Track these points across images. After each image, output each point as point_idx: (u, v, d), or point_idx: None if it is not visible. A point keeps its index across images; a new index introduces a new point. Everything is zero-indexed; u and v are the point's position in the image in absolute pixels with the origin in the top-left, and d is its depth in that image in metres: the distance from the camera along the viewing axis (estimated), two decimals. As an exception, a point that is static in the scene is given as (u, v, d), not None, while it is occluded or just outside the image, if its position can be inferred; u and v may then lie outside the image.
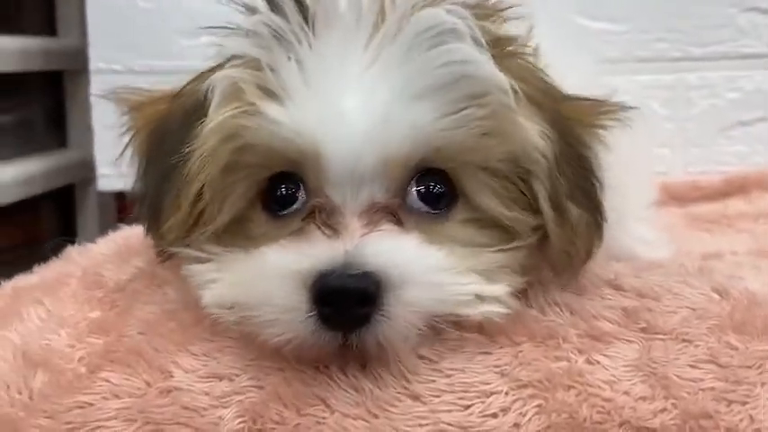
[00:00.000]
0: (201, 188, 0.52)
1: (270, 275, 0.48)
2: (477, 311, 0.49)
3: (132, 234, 0.69)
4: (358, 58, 0.50)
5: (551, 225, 0.52)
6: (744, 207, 1.07)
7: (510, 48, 0.54)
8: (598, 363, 0.48)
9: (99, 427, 0.46)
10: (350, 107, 0.49)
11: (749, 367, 0.47)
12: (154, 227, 0.56)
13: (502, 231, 0.53)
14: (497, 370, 0.48)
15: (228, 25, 0.56)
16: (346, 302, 0.46)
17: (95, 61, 1.25)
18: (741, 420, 0.44)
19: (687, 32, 1.19)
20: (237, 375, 0.48)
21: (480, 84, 0.50)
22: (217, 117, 0.51)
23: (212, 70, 0.55)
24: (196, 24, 1.22)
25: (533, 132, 0.51)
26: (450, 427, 0.45)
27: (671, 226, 1.01)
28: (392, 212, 0.50)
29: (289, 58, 0.51)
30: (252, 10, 0.54)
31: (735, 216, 1.03)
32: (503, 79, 0.50)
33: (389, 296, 0.46)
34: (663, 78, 1.21)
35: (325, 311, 0.46)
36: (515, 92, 0.51)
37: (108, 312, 0.54)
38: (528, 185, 0.52)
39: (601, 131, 0.56)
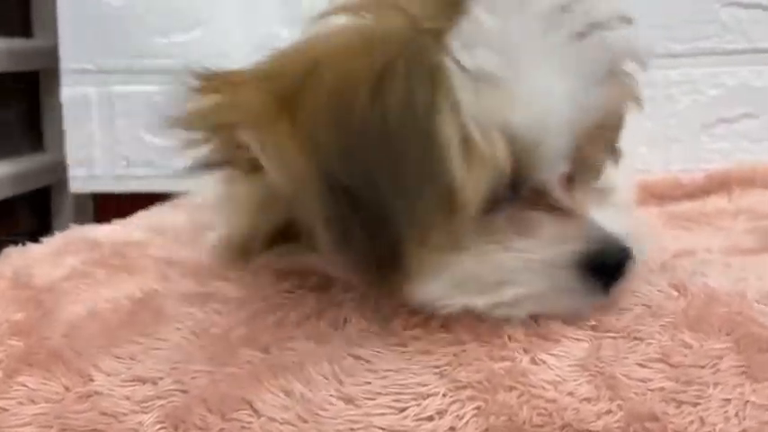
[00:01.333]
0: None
1: (547, 266, 0.49)
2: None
3: (78, 232, 0.68)
4: (551, 49, 0.51)
5: None
6: (724, 204, 1.04)
7: None
8: (543, 362, 0.45)
9: (13, 433, 0.44)
10: (558, 92, 0.51)
11: (702, 367, 0.44)
12: (387, 272, 0.47)
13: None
14: (437, 371, 0.45)
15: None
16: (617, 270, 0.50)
17: (66, 61, 1.24)
18: (691, 423, 0.42)
19: (668, 28, 1.18)
20: (161, 379, 0.46)
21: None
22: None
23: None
24: (171, 23, 1.24)
25: None
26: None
27: (649, 225, 1.01)
28: (570, 179, 0.54)
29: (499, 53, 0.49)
30: None
31: (714, 214, 1.00)
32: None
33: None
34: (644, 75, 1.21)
35: (601, 283, 0.50)
36: None
37: (33, 313, 0.52)
38: None
39: None
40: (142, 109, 1.24)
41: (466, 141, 0.46)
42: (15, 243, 0.68)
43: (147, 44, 1.23)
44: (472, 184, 0.46)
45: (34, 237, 0.72)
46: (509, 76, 0.48)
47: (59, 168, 1.31)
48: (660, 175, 1.19)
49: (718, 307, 0.49)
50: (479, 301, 0.48)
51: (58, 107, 1.28)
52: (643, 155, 1.22)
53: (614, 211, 0.55)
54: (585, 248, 0.49)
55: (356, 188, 0.44)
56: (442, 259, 0.47)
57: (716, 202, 1.06)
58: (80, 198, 1.39)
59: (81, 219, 1.44)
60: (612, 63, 0.54)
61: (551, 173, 0.51)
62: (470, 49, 0.47)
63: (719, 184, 1.10)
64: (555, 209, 0.51)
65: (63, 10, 1.23)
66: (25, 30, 1.41)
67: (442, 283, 0.47)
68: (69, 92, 1.25)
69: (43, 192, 1.43)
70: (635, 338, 0.47)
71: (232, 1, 1.22)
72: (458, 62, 0.47)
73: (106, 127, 1.26)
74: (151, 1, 1.22)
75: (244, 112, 0.47)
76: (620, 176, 0.70)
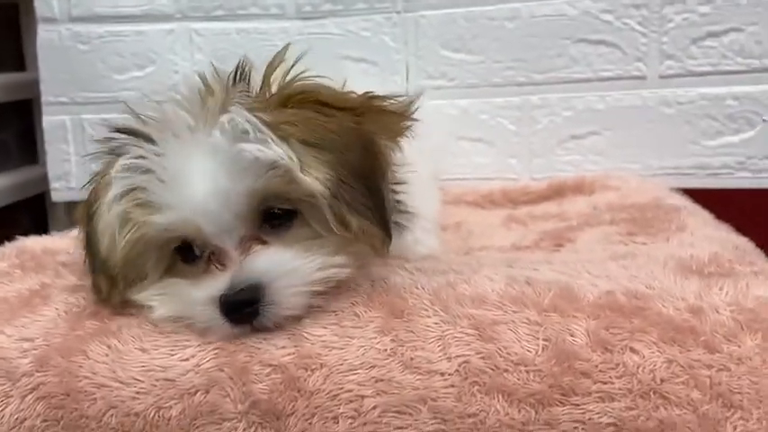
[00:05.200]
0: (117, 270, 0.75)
1: (195, 302, 0.72)
2: (329, 274, 0.72)
3: (19, 243, 0.96)
4: (195, 160, 0.72)
5: (344, 234, 0.72)
6: (552, 209, 1.26)
7: (286, 123, 0.72)
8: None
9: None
10: (201, 195, 0.71)
11: (360, 327, 0.71)
12: (98, 296, 0.78)
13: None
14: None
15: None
16: (241, 309, 0.70)
17: (46, 95, 1.48)
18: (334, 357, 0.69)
19: (530, 62, 1.40)
20: (37, 338, 0.74)
21: (272, 158, 0.70)
22: (122, 238, 0.73)
23: (91, 200, 0.78)
24: (125, 62, 1.47)
25: (311, 180, 0.71)
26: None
27: (487, 224, 1.24)
28: (256, 238, 0.73)
29: (151, 178, 0.73)
30: (118, 154, 0.76)
31: (539, 216, 1.22)
32: (280, 153, 0.70)
33: (268, 291, 0.69)
34: (512, 100, 1.42)
35: (233, 317, 0.70)
36: (299, 153, 0.71)
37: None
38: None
39: (399, 139, 0.78)
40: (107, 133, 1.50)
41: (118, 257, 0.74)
42: None
43: (110, 80, 1.47)
44: (132, 275, 0.75)
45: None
46: (158, 188, 0.72)
47: None
48: (519, 183, 1.43)
49: (390, 290, 0.76)
50: (158, 311, 0.74)
51: None
52: (512, 166, 1.46)
53: (283, 254, 0.71)
54: (218, 293, 0.70)
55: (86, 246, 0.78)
56: (162, 282, 0.76)
57: (548, 206, 1.28)
58: (71, 204, 1.54)
59: (72, 219, 1.68)
60: (256, 163, 0.70)
61: (222, 240, 0.72)
62: (124, 184, 0.73)
63: (556, 191, 1.32)
64: (223, 264, 0.72)
65: (43, 53, 1.47)
66: (20, 65, 1.65)
67: (146, 295, 0.76)
68: (49, 120, 1.49)
69: (40, 199, 1.66)
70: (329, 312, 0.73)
71: (178, 43, 1.46)
72: (111, 203, 0.73)
73: (79, 148, 1.50)
74: (112, 44, 1.46)
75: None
76: (423, 206, 0.91)
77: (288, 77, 0.77)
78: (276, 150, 0.70)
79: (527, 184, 1.39)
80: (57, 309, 0.78)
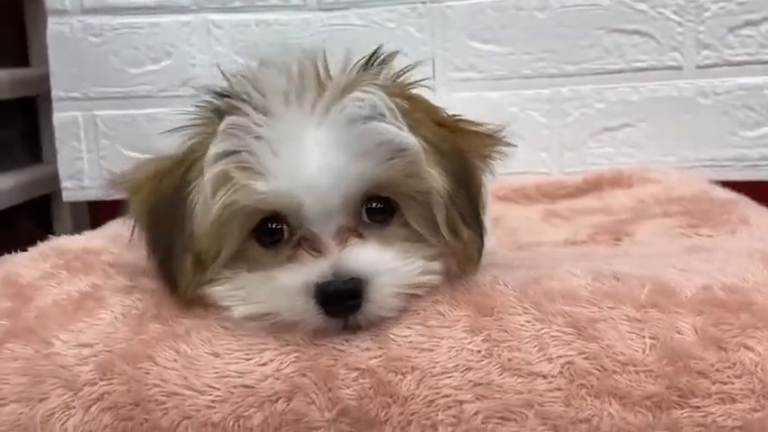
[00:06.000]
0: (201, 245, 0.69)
1: (286, 292, 0.66)
2: (425, 280, 0.69)
3: (54, 242, 0.91)
4: (311, 133, 0.68)
5: (450, 241, 0.71)
6: (593, 203, 1.23)
7: (417, 115, 0.71)
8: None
9: (2, 380, 0.68)
10: (312, 169, 0.67)
11: (448, 327, 0.67)
12: (173, 287, 0.72)
13: (422, 235, 0.72)
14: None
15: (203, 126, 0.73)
16: (343, 301, 0.65)
17: (56, 90, 1.42)
18: (426, 361, 0.65)
19: (561, 53, 1.36)
20: (97, 344, 0.69)
21: (399, 145, 0.68)
22: (216, 200, 0.68)
23: (189, 158, 0.72)
24: (140, 55, 1.42)
25: (435, 176, 0.69)
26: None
27: (526, 219, 1.21)
28: (354, 230, 0.69)
29: (259, 143, 0.67)
30: (220, 114, 0.71)
31: (581, 210, 1.19)
32: (414, 142, 0.68)
33: (369, 287, 0.65)
34: (542, 92, 1.38)
35: (329, 309, 0.65)
36: (423, 148, 0.69)
37: (17, 303, 0.75)
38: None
39: (489, 161, 0.76)
40: (121, 128, 1.43)
41: (208, 221, 0.68)
42: (18, 247, 0.89)
43: (124, 74, 1.41)
44: (213, 251, 0.70)
45: (42, 238, 0.92)
46: (266, 154, 0.66)
47: (57, 178, 1.46)
48: (552, 177, 1.40)
49: (472, 288, 0.71)
50: (238, 310, 0.69)
51: (53, 125, 1.43)
52: (543, 159, 1.43)
53: (383, 252, 0.67)
54: (316, 280, 0.64)
55: (158, 234, 0.72)
56: (233, 275, 0.70)
57: (587, 201, 1.25)
58: (76, 204, 1.57)
59: (78, 222, 1.62)
60: (380, 147, 0.67)
61: (319, 224, 0.68)
62: (228, 144, 0.68)
63: (593, 185, 1.30)
64: (317, 251, 0.67)
65: (53, 47, 1.41)
66: (23, 60, 1.60)
67: (222, 292, 0.70)
68: (60, 116, 1.43)
69: (45, 199, 1.61)
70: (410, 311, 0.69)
71: (195, 35, 1.41)
72: (213, 160, 0.68)
73: (92, 145, 1.44)
74: (126, 37, 1.40)
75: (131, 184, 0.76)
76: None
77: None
78: (410, 137, 0.68)
79: (561, 179, 1.36)
80: (113, 311, 0.73)
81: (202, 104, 0.74)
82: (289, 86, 0.70)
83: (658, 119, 1.36)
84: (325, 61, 0.73)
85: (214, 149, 0.69)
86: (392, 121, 0.68)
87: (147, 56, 1.42)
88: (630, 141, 1.38)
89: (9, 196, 1.47)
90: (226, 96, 0.72)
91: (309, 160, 0.67)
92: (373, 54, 0.74)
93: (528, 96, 1.39)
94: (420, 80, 0.76)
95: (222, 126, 0.69)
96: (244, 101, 0.70)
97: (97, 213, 1.54)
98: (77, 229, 1.36)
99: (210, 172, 0.68)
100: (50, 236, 0.94)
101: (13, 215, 1.52)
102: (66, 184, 1.46)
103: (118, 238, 0.90)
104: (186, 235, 0.70)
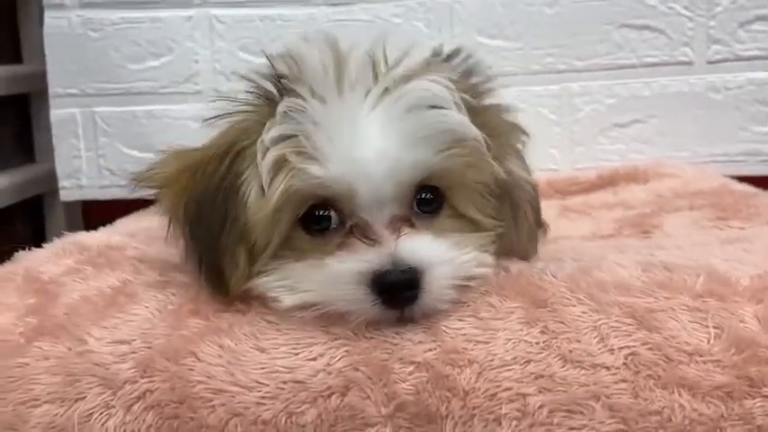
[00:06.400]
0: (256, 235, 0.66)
1: (339, 280, 0.64)
2: (479, 272, 0.68)
3: (71, 239, 0.87)
4: (368, 119, 0.66)
5: (512, 233, 0.72)
6: (609, 198, 1.21)
7: (482, 111, 0.72)
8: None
9: (33, 379, 0.64)
10: (369, 156, 0.65)
11: (500, 319, 0.65)
12: (220, 282, 0.68)
13: (474, 226, 0.71)
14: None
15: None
16: (401, 291, 0.63)
17: (54, 86, 1.37)
18: (481, 352, 0.62)
19: (570, 48, 1.34)
20: (134, 340, 0.65)
21: (461, 134, 0.68)
22: (275, 187, 0.65)
23: (235, 146, 0.69)
24: (141, 51, 1.39)
25: (498, 168, 0.70)
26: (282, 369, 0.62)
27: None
28: (406, 219, 0.67)
29: (316, 127, 0.66)
30: (272, 99, 0.69)
31: (597, 206, 1.17)
32: (476, 132, 0.68)
33: (426, 278, 0.63)
34: (551, 88, 1.36)
35: (387, 300, 0.63)
36: (485, 141, 0.69)
37: (42, 299, 0.71)
38: (502, 202, 0.72)
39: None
40: (121, 126, 1.39)
41: (267, 209, 0.66)
42: (15, 249, 0.85)
43: (124, 70, 1.37)
44: (264, 241, 0.67)
45: (33, 241, 0.87)
46: (322, 139, 0.65)
47: (50, 178, 1.43)
48: (564, 173, 1.38)
49: (521, 279, 0.69)
50: (287, 300, 0.66)
51: (47, 122, 1.40)
52: (553, 156, 1.41)
53: (438, 243, 0.66)
54: (374, 268, 0.62)
55: (199, 227, 0.68)
56: (280, 265, 0.68)
57: (602, 196, 1.23)
58: (70, 205, 1.50)
59: (71, 223, 1.56)
60: (442, 135, 0.67)
61: (372, 212, 0.66)
62: (286, 128, 0.66)
63: (607, 181, 1.28)
64: (371, 239, 0.65)
65: (49, 42, 1.36)
66: (16, 56, 1.53)
67: (269, 282, 0.67)
68: (57, 113, 1.38)
69: (37, 200, 1.54)
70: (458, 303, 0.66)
71: (197, 31, 1.37)
72: (271, 143, 0.66)
73: (90, 143, 1.39)
74: (126, 32, 1.36)
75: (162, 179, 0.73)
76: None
77: None
78: (471, 127, 0.67)
79: (574, 175, 1.34)
80: (147, 307, 0.69)
81: (251, 90, 0.71)
82: (346, 72, 0.68)
83: (669, 114, 1.34)
84: (384, 49, 0.71)
85: (274, 132, 0.66)
86: (454, 111, 0.67)
87: (149, 51, 1.38)
88: (641, 137, 1.36)
89: (1, 197, 1.42)
90: (283, 78, 0.69)
91: (366, 147, 0.66)
92: (455, 50, 0.75)
93: (537, 92, 1.37)
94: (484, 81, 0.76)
95: (281, 108, 0.67)
96: (301, 82, 0.68)
97: (90, 214, 1.51)
98: (71, 230, 1.30)
99: (269, 156, 0.66)
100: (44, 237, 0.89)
101: (3, 216, 1.46)
102: (63, 183, 1.42)
103: (137, 234, 0.87)
104: (239, 226, 0.67)
